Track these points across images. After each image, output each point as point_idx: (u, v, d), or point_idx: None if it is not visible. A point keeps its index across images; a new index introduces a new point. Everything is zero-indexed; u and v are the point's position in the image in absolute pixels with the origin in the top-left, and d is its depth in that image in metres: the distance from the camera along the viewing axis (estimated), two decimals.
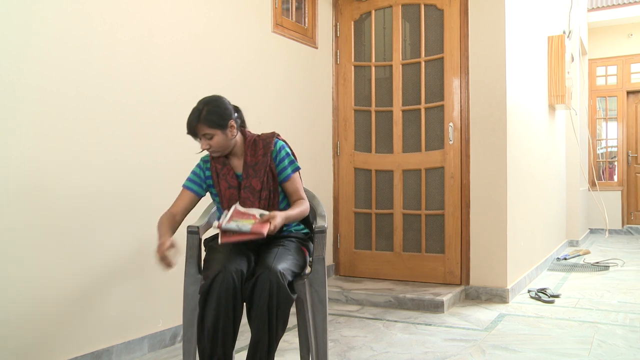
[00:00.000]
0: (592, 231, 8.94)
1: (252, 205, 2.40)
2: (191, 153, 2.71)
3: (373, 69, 4.84)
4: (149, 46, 3.12)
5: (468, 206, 4.37)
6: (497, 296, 4.23)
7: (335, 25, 4.93)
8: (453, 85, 4.44)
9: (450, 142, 4.44)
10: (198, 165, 2.53)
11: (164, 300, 3.19)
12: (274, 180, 2.44)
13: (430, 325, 3.64)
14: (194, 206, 2.52)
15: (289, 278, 2.22)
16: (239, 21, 3.80)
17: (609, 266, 5.74)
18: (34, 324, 2.55)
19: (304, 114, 4.52)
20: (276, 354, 2.30)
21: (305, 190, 2.75)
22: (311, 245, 2.55)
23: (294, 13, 4.46)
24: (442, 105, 4.50)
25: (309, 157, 4.57)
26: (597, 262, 5.89)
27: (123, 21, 2.96)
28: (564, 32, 6.53)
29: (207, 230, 2.60)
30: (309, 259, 2.52)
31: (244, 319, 2.18)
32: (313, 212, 2.70)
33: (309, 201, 2.72)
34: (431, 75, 4.59)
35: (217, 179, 2.45)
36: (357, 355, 3.05)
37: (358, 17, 4.90)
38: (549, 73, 5.94)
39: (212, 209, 2.66)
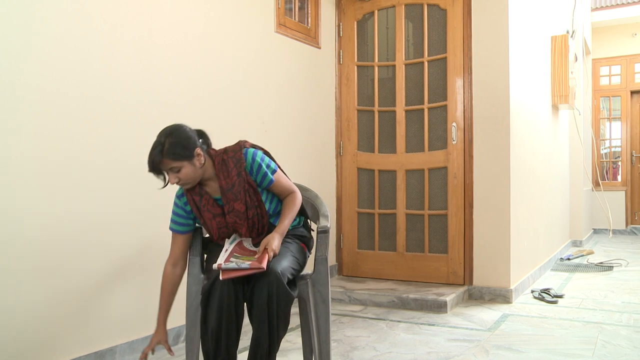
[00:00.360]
0: (596, 231, 8.92)
1: (241, 227, 2.35)
2: None
3: (376, 69, 4.84)
4: (149, 46, 3.11)
5: (471, 206, 4.36)
6: (501, 296, 4.22)
7: (338, 25, 4.93)
8: (456, 85, 4.43)
9: (454, 142, 4.43)
10: (175, 204, 2.42)
11: None
12: (256, 194, 2.35)
13: (433, 325, 3.64)
14: (190, 242, 2.47)
15: (289, 277, 2.22)
16: (241, 21, 3.80)
17: (612, 266, 5.72)
18: (38, 324, 2.55)
19: (306, 113, 4.52)
20: (279, 354, 2.30)
21: (308, 190, 2.75)
22: (310, 240, 2.55)
23: (296, 13, 4.46)
24: (445, 105, 4.49)
25: (311, 157, 4.57)
26: (601, 263, 5.88)
27: (123, 21, 2.96)
28: (568, 32, 6.52)
29: None
30: (308, 253, 2.52)
31: (247, 319, 2.18)
32: (316, 212, 2.70)
33: (312, 201, 2.72)
34: (434, 75, 4.59)
35: (199, 212, 2.37)
36: (360, 355, 3.04)
37: (361, 17, 4.89)
38: (553, 73, 5.93)
39: None
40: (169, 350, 2.37)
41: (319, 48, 4.68)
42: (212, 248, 2.46)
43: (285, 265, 2.21)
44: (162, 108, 3.18)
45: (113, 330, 2.91)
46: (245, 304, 2.19)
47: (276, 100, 4.16)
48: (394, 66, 4.76)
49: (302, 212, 2.58)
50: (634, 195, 9.35)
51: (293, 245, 2.40)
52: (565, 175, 7.02)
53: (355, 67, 4.89)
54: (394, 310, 4.05)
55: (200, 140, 2.33)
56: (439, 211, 4.52)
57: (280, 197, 2.47)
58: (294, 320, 2.97)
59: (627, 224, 9.22)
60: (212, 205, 2.35)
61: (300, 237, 2.50)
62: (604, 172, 9.61)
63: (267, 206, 2.41)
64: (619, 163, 9.51)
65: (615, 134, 9.56)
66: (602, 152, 9.61)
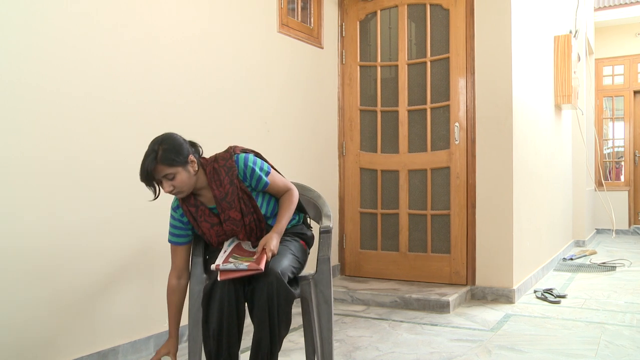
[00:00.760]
0: (599, 231, 8.90)
1: (239, 234, 2.35)
2: None
3: (379, 69, 4.83)
4: (149, 46, 3.11)
5: (474, 206, 4.35)
6: (503, 296, 4.21)
7: (341, 25, 4.93)
8: (459, 85, 4.43)
9: (456, 142, 4.42)
10: (172, 217, 2.40)
11: None
12: (251, 199, 2.34)
13: (436, 325, 3.63)
14: (191, 251, 2.46)
15: (290, 275, 2.21)
16: (243, 21, 3.80)
17: (615, 266, 5.70)
18: (40, 324, 2.55)
19: (309, 114, 4.52)
20: (281, 354, 2.30)
21: (311, 190, 2.75)
22: (309, 237, 2.54)
23: (299, 13, 4.46)
24: (448, 105, 4.49)
25: (314, 157, 4.56)
26: (604, 263, 5.86)
27: (124, 21, 2.96)
28: (571, 32, 6.51)
29: None
30: (308, 251, 2.51)
31: (249, 319, 2.17)
32: (318, 212, 2.69)
33: (314, 201, 2.71)
34: (437, 75, 4.58)
35: (196, 223, 2.36)
36: (362, 355, 3.04)
37: (364, 17, 4.89)
38: (556, 73, 5.92)
39: None
40: None
41: (322, 48, 4.68)
42: (213, 249, 2.46)
43: (286, 264, 2.21)
44: (162, 108, 3.18)
45: (115, 330, 2.90)
46: (246, 304, 2.19)
47: (278, 100, 4.15)
48: (396, 66, 4.75)
49: (300, 210, 2.57)
50: (637, 195, 9.33)
51: (292, 244, 2.40)
52: (568, 175, 7.01)
53: (358, 67, 4.89)
54: (397, 310, 4.05)
55: (192, 149, 2.32)
56: (442, 211, 4.52)
57: (277, 197, 2.46)
58: (297, 320, 2.97)
59: (630, 224, 9.20)
60: (209, 215, 2.34)
61: (299, 234, 2.49)
62: (606, 172, 9.59)
63: (263, 210, 2.40)
64: (622, 163, 9.50)
65: (618, 134, 9.54)
66: (605, 152, 9.59)
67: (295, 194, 2.44)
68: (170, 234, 2.42)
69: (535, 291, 4.50)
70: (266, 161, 2.46)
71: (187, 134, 2.39)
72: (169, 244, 2.45)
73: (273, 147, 4.03)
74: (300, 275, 2.41)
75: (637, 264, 5.97)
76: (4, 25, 2.42)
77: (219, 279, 2.11)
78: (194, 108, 3.38)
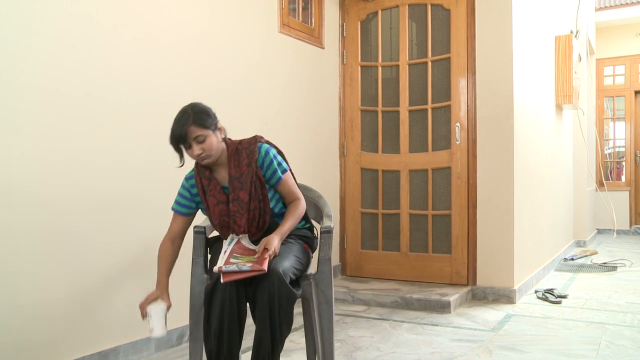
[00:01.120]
0: (600, 231, 8.90)
1: (241, 218, 2.33)
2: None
3: (380, 69, 4.83)
4: (149, 46, 3.11)
5: (475, 206, 4.35)
6: (504, 296, 4.21)
7: (342, 26, 4.92)
8: (460, 85, 4.42)
9: (457, 142, 4.42)
10: (182, 186, 2.43)
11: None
12: (262, 187, 2.35)
13: (437, 325, 3.63)
14: (189, 225, 2.48)
15: (291, 276, 2.21)
16: (244, 21, 3.80)
17: (616, 267, 5.70)
18: (42, 324, 2.55)
19: (310, 114, 4.51)
20: (282, 354, 2.29)
21: (312, 190, 2.74)
22: (313, 240, 2.54)
23: (300, 13, 4.45)
24: (449, 105, 4.48)
25: (315, 157, 4.56)
26: (605, 263, 5.86)
27: (124, 21, 2.96)
28: (572, 32, 6.50)
29: (213, 230, 2.59)
30: (311, 254, 2.51)
31: (250, 319, 2.17)
32: (319, 212, 2.69)
33: (315, 201, 2.71)
34: (438, 75, 4.58)
35: (204, 196, 2.37)
36: (363, 355, 3.04)
37: (365, 17, 4.88)
38: (556, 73, 5.91)
39: None
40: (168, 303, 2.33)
41: (323, 48, 4.68)
42: (215, 248, 2.45)
43: (287, 265, 2.20)
44: (162, 108, 3.17)
45: (117, 330, 2.90)
46: (248, 304, 2.18)
47: (279, 100, 4.15)
48: (397, 66, 4.75)
49: (306, 219, 2.58)
50: (637, 195, 9.33)
51: (295, 246, 2.39)
52: (569, 175, 7.00)
53: (359, 67, 4.88)
54: (398, 310, 4.04)
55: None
56: (443, 211, 4.51)
57: (285, 200, 2.45)
58: (298, 320, 2.97)
59: (631, 224, 9.19)
60: (219, 191, 2.35)
61: (303, 237, 2.49)
62: (607, 172, 9.58)
63: (272, 204, 2.41)
64: (623, 163, 9.49)
65: (619, 134, 9.53)
66: (606, 152, 9.59)
67: (303, 205, 2.45)
68: (176, 202, 2.45)
69: (536, 291, 4.49)
70: (286, 161, 2.48)
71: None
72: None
73: None
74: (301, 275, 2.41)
75: (638, 264, 5.96)
76: (4, 25, 2.42)
77: (221, 281, 2.10)
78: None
